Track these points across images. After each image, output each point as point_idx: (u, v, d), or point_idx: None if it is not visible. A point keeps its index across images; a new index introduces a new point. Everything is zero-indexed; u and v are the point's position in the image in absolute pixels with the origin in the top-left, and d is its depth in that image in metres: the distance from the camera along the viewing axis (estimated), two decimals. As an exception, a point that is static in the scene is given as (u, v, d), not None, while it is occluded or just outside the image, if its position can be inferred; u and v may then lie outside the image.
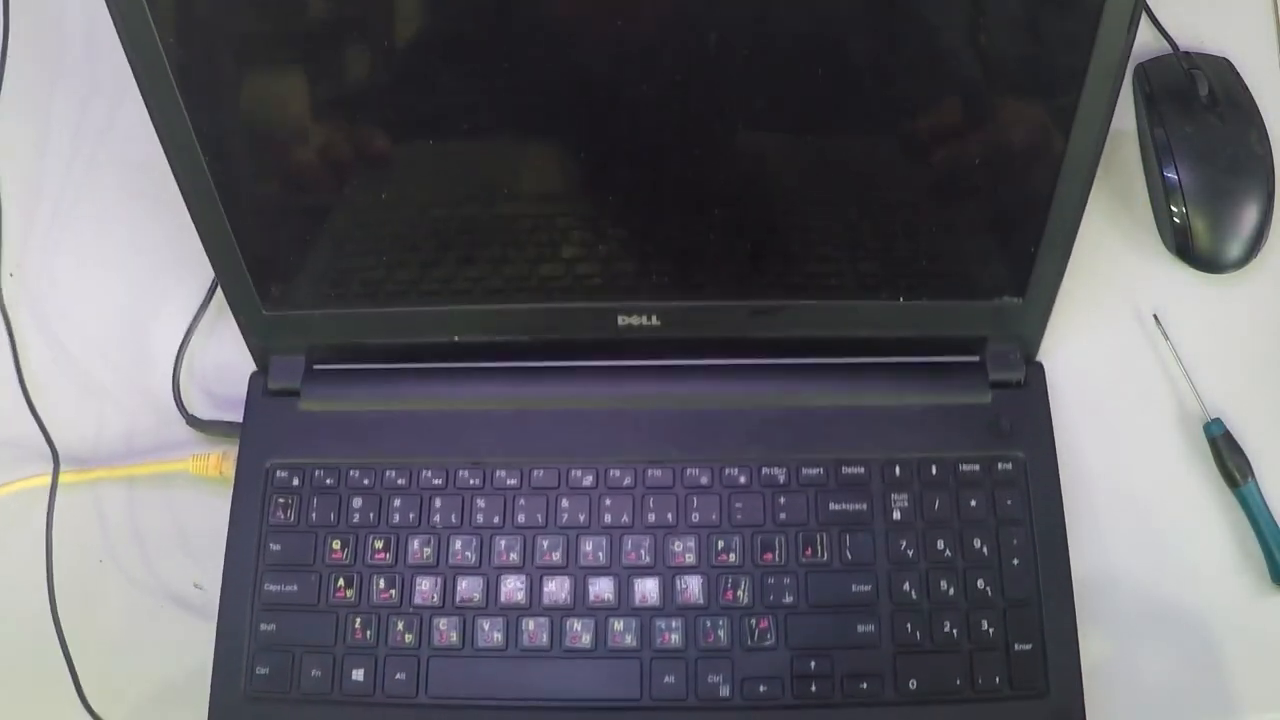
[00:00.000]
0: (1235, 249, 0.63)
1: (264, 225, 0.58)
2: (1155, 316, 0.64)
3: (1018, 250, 0.57)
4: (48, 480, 0.62)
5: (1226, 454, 0.60)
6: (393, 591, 0.58)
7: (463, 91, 0.54)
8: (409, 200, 0.57)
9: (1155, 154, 0.64)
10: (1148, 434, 0.62)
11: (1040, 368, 0.61)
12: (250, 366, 0.63)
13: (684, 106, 0.53)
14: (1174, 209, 0.63)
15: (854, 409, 0.60)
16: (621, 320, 0.60)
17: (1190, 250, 0.64)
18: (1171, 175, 0.63)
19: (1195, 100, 0.65)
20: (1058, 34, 0.51)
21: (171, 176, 0.55)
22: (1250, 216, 0.63)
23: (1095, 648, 0.57)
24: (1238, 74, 0.66)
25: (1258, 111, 0.65)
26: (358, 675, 0.57)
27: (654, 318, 0.60)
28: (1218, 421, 0.61)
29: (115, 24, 0.50)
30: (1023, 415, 0.60)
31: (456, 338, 0.61)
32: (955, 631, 0.56)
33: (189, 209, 0.57)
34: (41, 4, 0.74)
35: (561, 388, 0.62)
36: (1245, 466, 0.60)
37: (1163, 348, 0.63)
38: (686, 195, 0.56)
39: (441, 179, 0.57)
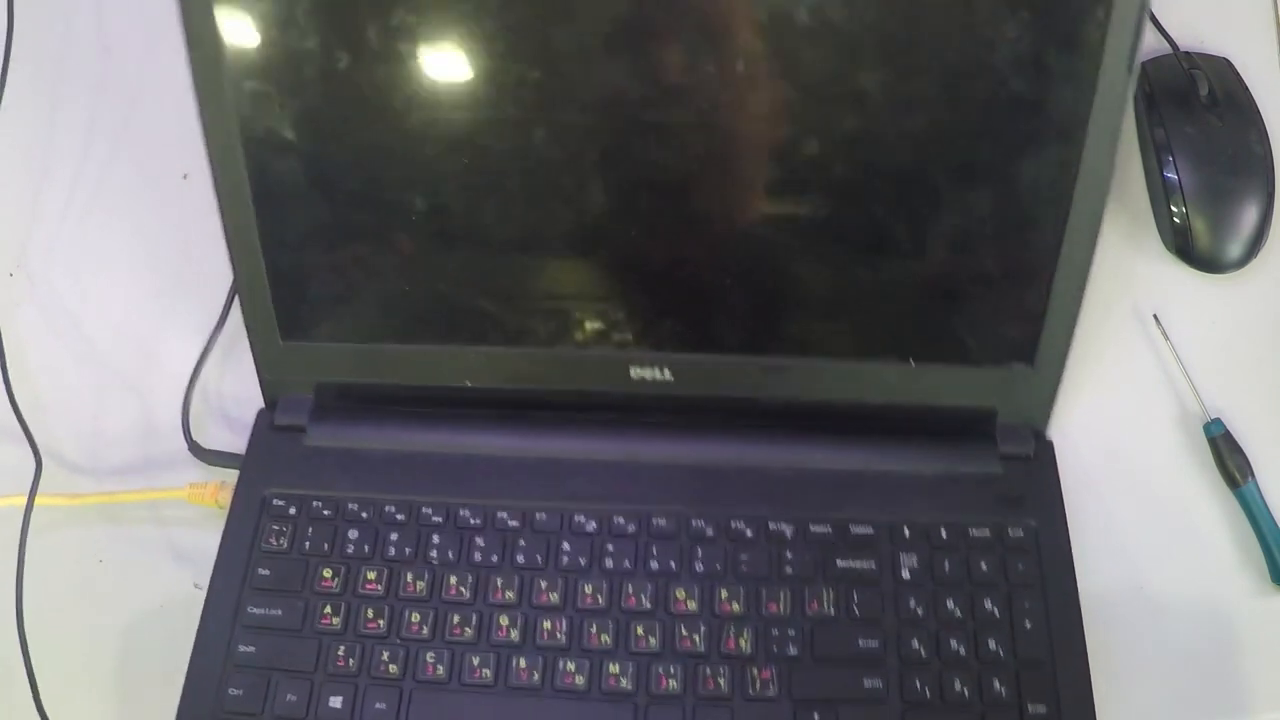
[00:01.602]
0: (1235, 249, 0.64)
1: (295, 256, 0.59)
2: (1155, 316, 0.64)
3: (1026, 316, 0.58)
4: (23, 500, 0.60)
5: (1226, 454, 0.60)
6: (381, 622, 0.56)
7: (495, 153, 0.57)
8: (437, 247, 0.59)
9: (1155, 154, 0.65)
10: (1148, 434, 0.62)
11: (1050, 444, 0.61)
12: (255, 399, 0.63)
13: (700, 170, 0.56)
14: (1174, 209, 0.64)
15: (864, 474, 0.60)
16: (634, 373, 0.60)
17: (1190, 250, 0.64)
18: (1171, 175, 0.64)
19: (1195, 100, 0.66)
20: (1058, 92, 0.54)
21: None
22: (1250, 216, 0.64)
23: (1093, 647, 0.55)
24: (1238, 74, 0.68)
25: (1258, 111, 0.66)
26: (335, 703, 0.54)
27: (666, 371, 0.60)
28: (1218, 421, 0.61)
29: (181, 15, 0.53)
30: (1033, 486, 0.59)
31: (469, 383, 0.61)
32: (966, 690, 0.54)
33: (226, 233, 0.58)
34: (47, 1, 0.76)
35: (571, 440, 0.61)
36: (1245, 466, 0.59)
37: (1163, 348, 0.64)
38: (702, 255, 0.58)
39: (469, 229, 0.59)
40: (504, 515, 0.59)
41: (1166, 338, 0.64)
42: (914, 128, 0.55)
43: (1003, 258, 0.57)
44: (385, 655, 0.55)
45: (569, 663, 0.55)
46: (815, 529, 0.58)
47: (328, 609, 0.56)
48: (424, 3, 0.54)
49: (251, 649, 0.55)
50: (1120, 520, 0.60)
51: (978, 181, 0.56)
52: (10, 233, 0.70)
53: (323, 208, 0.58)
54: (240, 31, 0.54)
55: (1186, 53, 0.69)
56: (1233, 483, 0.60)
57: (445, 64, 0.55)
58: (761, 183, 0.57)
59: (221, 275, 0.61)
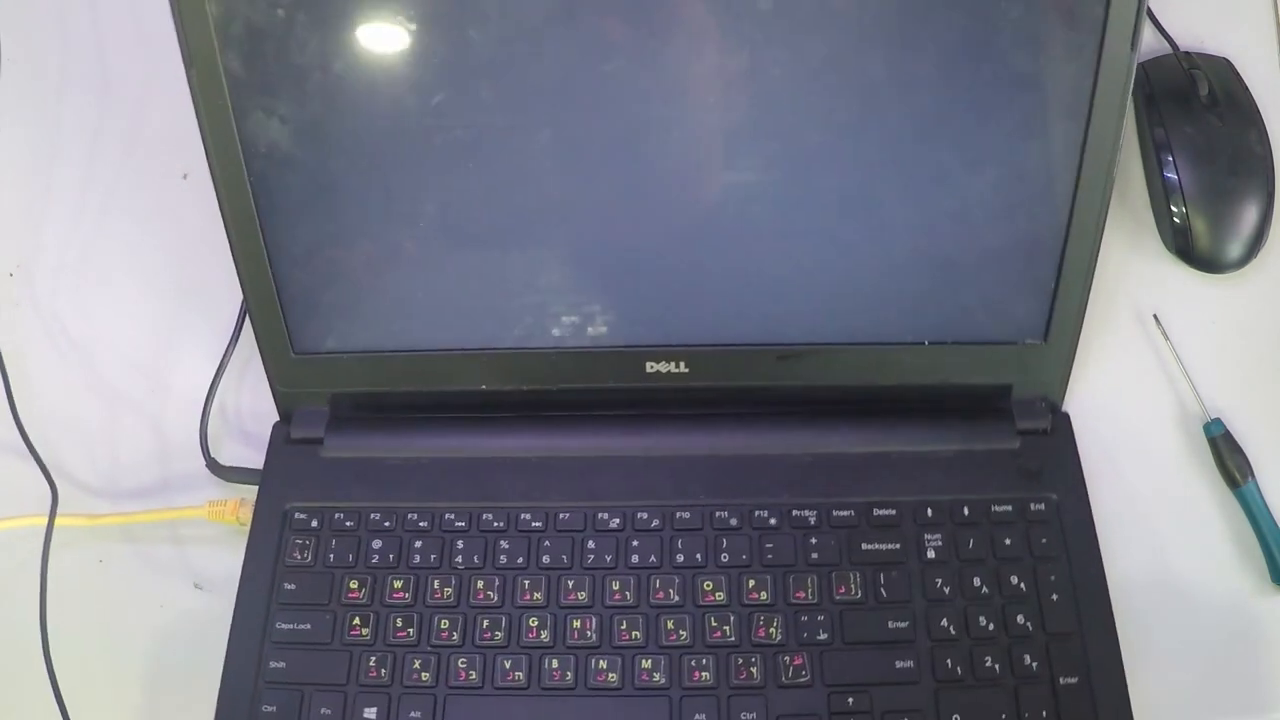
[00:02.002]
0: (1235, 249, 0.64)
1: (303, 269, 0.59)
2: (1155, 316, 0.64)
3: (1037, 291, 0.58)
4: (44, 521, 0.60)
5: (1226, 454, 0.60)
6: (411, 630, 0.56)
7: (500, 155, 0.56)
8: (446, 252, 0.59)
9: (1155, 154, 0.66)
10: (1148, 434, 0.62)
11: (1066, 416, 0.61)
12: (267, 414, 0.63)
13: (705, 160, 0.56)
14: (1174, 209, 0.64)
15: (883, 455, 0.60)
16: (650, 366, 0.60)
17: (1190, 250, 0.65)
18: (1171, 175, 0.64)
19: (1195, 100, 0.66)
20: (1061, 67, 0.54)
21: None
22: (1250, 216, 0.64)
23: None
24: (1238, 74, 0.68)
25: (1258, 111, 0.66)
26: (370, 714, 0.54)
27: (682, 364, 0.60)
28: (1217, 421, 0.61)
29: (178, 35, 0.53)
30: (1052, 460, 0.59)
31: (484, 386, 0.61)
32: (997, 666, 0.54)
33: (231, 245, 0.58)
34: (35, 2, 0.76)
35: (590, 439, 0.62)
36: (1245, 466, 0.60)
37: (1163, 348, 0.64)
38: (711, 245, 0.58)
39: (477, 232, 0.59)
40: (527, 516, 0.59)
41: (1166, 338, 0.64)
42: (920, 108, 0.55)
43: (1013, 233, 0.57)
44: (417, 664, 0.55)
45: (601, 661, 0.55)
46: (839, 513, 0.58)
47: (356, 620, 0.56)
48: (422, 9, 0.53)
49: (282, 665, 0.55)
50: (1119, 519, 0.60)
51: (984, 159, 0.56)
52: (9, 235, 0.70)
53: (328, 219, 0.58)
54: (238, 47, 0.54)
55: (1186, 53, 0.69)
56: (1233, 483, 0.60)
57: (445, 70, 0.55)
58: (769, 170, 0.57)
59: (225, 280, 0.60)
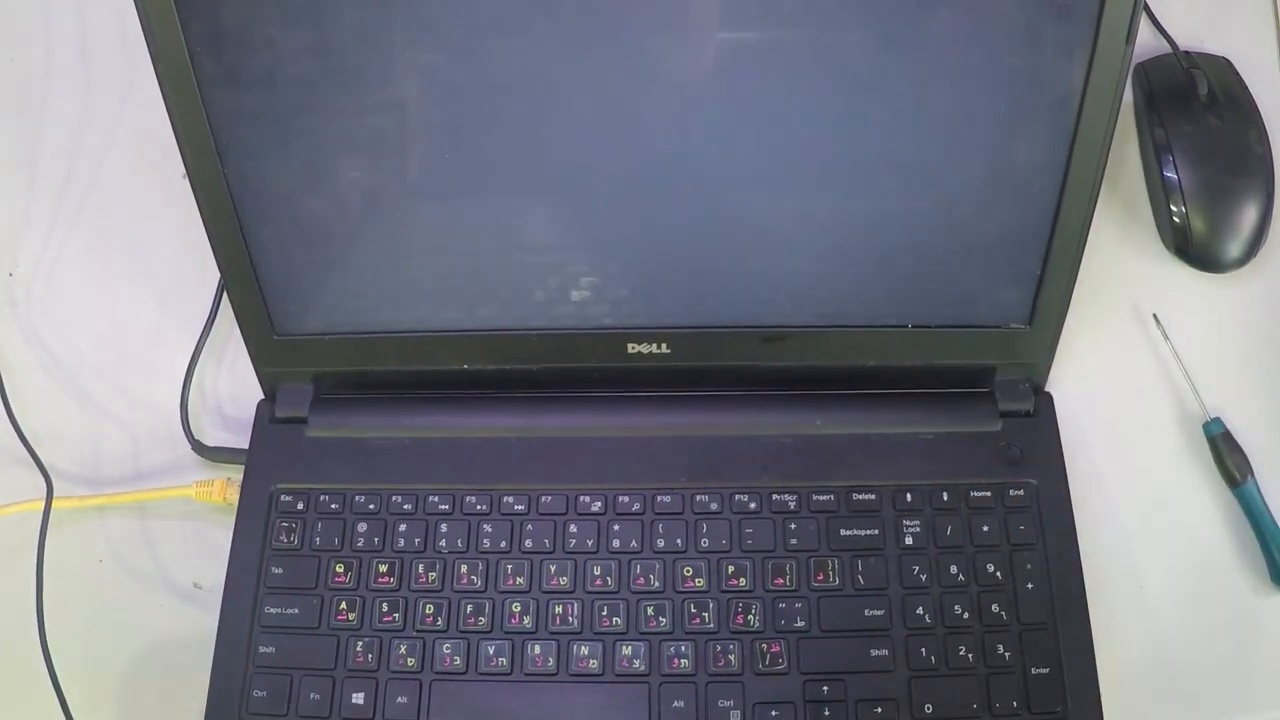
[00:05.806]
0: (1235, 249, 0.64)
1: (280, 249, 0.58)
2: (1155, 316, 0.64)
3: (1023, 277, 0.58)
4: (40, 506, 0.61)
5: (1226, 453, 0.60)
6: (396, 615, 0.57)
7: (480, 134, 0.55)
8: (425, 228, 0.58)
9: (1155, 154, 0.65)
10: (1147, 433, 0.62)
11: (1049, 397, 0.61)
12: (253, 393, 0.63)
13: (690, 143, 0.55)
14: (1174, 209, 0.64)
15: (864, 437, 0.60)
16: (631, 348, 0.60)
17: (1190, 250, 0.64)
18: (1171, 175, 0.64)
19: (1195, 100, 0.65)
20: (1054, 56, 0.52)
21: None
22: (1250, 216, 0.64)
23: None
24: (1238, 74, 0.67)
25: (1258, 111, 0.66)
26: (357, 699, 0.56)
27: (664, 345, 0.60)
28: (1217, 421, 0.61)
29: (143, 28, 0.51)
30: (1033, 443, 0.60)
31: (466, 366, 0.61)
32: (970, 655, 0.55)
33: (207, 229, 0.57)
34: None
35: (571, 418, 0.62)
36: (1245, 466, 0.60)
37: (1163, 348, 0.64)
38: (695, 227, 0.57)
39: (457, 206, 0.58)
40: (510, 499, 0.59)
41: (1166, 337, 0.64)
42: (908, 93, 0.54)
43: (999, 221, 0.57)
44: (403, 649, 0.56)
45: (582, 647, 0.56)
46: (818, 498, 0.59)
47: (343, 605, 0.57)
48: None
49: (271, 649, 0.57)
50: (1118, 518, 0.60)
51: (972, 145, 0.55)
52: (5, 235, 0.70)
53: (306, 199, 0.57)
54: (203, 31, 0.52)
55: (1186, 52, 0.68)
56: (1232, 482, 0.60)
57: (417, 47, 0.53)
58: (755, 152, 0.55)
59: (209, 271, 0.60)
